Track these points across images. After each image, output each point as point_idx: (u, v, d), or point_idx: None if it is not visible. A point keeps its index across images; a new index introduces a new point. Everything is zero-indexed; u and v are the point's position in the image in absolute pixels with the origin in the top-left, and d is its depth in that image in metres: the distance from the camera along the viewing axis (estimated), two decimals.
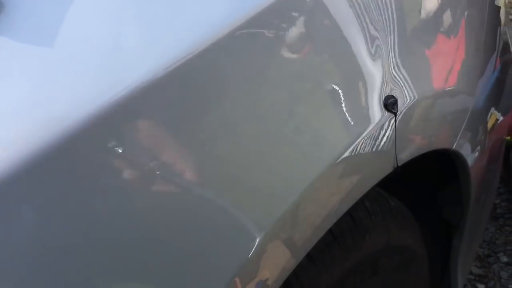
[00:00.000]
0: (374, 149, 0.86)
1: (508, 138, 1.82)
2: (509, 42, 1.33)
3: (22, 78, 0.60)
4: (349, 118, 0.82)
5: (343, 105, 0.82)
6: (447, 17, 1.02)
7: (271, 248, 0.75)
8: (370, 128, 0.84)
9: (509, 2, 1.26)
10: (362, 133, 0.83)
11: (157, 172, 0.63)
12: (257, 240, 0.72)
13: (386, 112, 0.86)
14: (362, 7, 0.84)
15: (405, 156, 0.92)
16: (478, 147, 1.15)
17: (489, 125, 1.19)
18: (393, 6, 0.90)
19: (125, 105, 0.59)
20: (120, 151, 0.60)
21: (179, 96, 0.64)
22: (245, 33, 0.71)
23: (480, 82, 1.11)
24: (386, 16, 0.88)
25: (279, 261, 0.77)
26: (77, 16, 0.66)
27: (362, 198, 0.89)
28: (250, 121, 0.72)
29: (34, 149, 0.56)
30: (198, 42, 0.65)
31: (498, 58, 1.22)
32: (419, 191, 1.19)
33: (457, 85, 1.04)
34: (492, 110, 1.21)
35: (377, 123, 0.84)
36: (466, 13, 1.06)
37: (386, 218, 1.00)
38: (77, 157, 0.58)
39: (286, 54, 0.76)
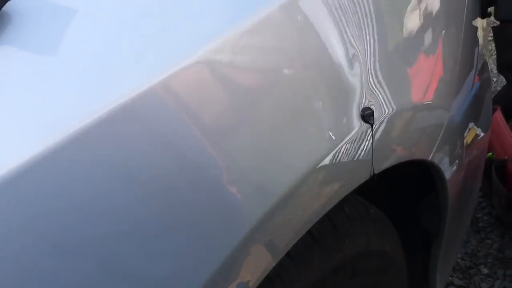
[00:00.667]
0: (352, 157, 0.88)
1: (490, 154, 1.84)
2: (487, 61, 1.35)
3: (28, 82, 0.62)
4: (328, 128, 0.84)
5: (323, 115, 0.84)
6: (425, 36, 1.04)
7: (252, 248, 0.77)
8: (348, 137, 0.86)
9: (487, 25, 1.29)
10: (341, 142, 0.85)
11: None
12: (238, 240, 0.73)
13: (363, 123, 0.88)
14: (344, 23, 0.87)
15: (381, 164, 0.94)
16: (456, 161, 1.15)
17: (468, 140, 1.20)
18: (374, 23, 0.92)
19: (124, 108, 0.62)
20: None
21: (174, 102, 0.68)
22: (236, 45, 0.74)
23: (457, 99, 1.13)
24: (367, 33, 0.91)
25: (260, 261, 0.79)
26: (76, 27, 0.67)
27: (342, 204, 0.92)
28: (237, 129, 0.74)
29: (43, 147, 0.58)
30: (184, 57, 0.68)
31: (476, 76, 1.23)
32: (401, 200, 1.20)
33: (434, 100, 1.06)
34: (471, 125, 1.22)
35: (354, 133, 0.87)
36: (443, 32, 1.07)
37: (365, 224, 1.01)
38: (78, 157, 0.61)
39: (272, 67, 0.78)
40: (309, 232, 0.86)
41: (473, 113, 1.24)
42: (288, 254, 0.83)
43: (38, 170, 0.58)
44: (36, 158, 0.58)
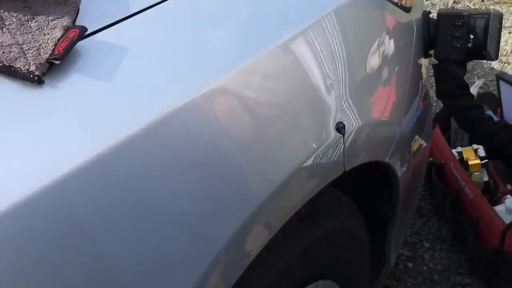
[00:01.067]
0: (328, 158, 0.88)
1: (431, 159, 1.84)
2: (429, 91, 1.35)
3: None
4: (312, 137, 0.85)
5: (308, 128, 0.85)
6: (383, 71, 1.03)
7: (254, 226, 0.76)
8: (326, 144, 0.86)
9: (428, 63, 1.29)
10: (321, 147, 0.85)
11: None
12: (245, 219, 0.73)
13: (337, 133, 0.88)
14: (324, 62, 0.87)
15: (351, 164, 0.93)
16: (406, 163, 1.14)
17: (414, 148, 1.19)
18: (345, 62, 0.91)
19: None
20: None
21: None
22: (238, 75, 0.75)
23: (406, 117, 1.13)
24: (340, 69, 0.90)
25: (260, 235, 0.78)
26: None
27: (321, 194, 0.90)
28: (251, 139, 0.76)
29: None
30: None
31: (420, 101, 1.23)
32: (365, 192, 1.19)
33: (389, 118, 1.06)
34: (417, 137, 1.21)
35: (330, 141, 0.87)
36: (396, 68, 1.07)
37: (338, 209, 1.01)
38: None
39: (272, 93, 0.79)
40: (296, 214, 0.85)
41: (418, 128, 1.23)
42: (281, 229, 0.82)
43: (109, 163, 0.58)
44: (103, 154, 0.57)
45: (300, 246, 0.92)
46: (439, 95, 1.30)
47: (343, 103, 0.91)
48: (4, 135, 0.55)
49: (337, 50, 0.90)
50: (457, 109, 1.30)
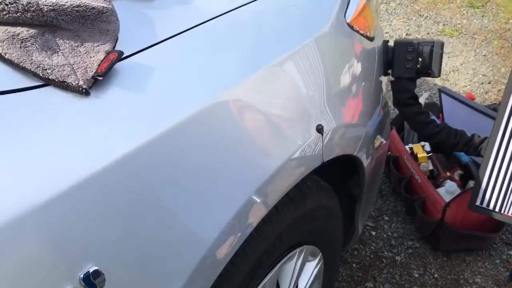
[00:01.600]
0: (311, 152, 0.85)
1: (389, 152, 1.82)
2: (388, 101, 1.32)
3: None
4: (298, 136, 0.83)
5: (295, 129, 0.83)
6: (353, 86, 1.01)
7: (254, 204, 0.75)
8: (308, 141, 0.84)
9: (387, 80, 1.27)
10: (304, 144, 0.83)
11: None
12: (247, 198, 0.72)
13: (318, 133, 0.86)
14: (308, 78, 0.85)
15: (328, 157, 0.91)
16: (370, 156, 1.13)
17: (376, 144, 1.18)
18: (323, 78, 0.89)
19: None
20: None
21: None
22: (243, 88, 0.73)
23: (370, 121, 1.11)
24: (320, 83, 0.88)
25: (258, 211, 0.77)
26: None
27: (305, 179, 0.88)
28: (243, 134, 0.74)
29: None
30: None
31: (381, 109, 1.21)
32: (339, 178, 1.18)
33: (357, 121, 1.03)
34: (378, 136, 1.19)
35: (312, 139, 0.85)
36: (363, 84, 1.05)
37: (318, 191, 0.98)
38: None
39: (270, 102, 0.77)
40: (286, 194, 0.83)
41: (379, 129, 1.21)
42: (275, 206, 0.80)
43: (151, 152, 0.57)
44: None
45: (290, 219, 0.90)
46: (395, 104, 1.28)
47: (322, 110, 0.88)
48: (64, 129, 0.53)
49: (317, 70, 0.88)
50: (409, 114, 1.27)
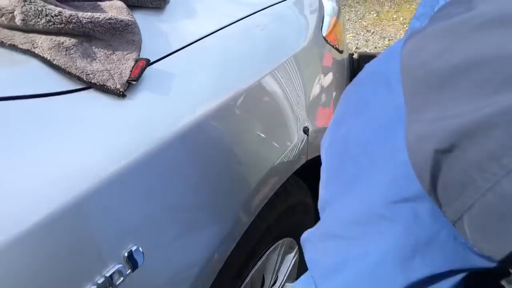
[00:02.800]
0: (297, 151, 0.95)
1: None
2: None
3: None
4: (286, 137, 0.92)
5: (284, 131, 0.92)
6: (324, 95, 1.11)
7: (257, 192, 0.84)
8: (295, 142, 0.94)
9: None
10: (291, 144, 0.93)
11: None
12: (253, 188, 0.82)
13: (304, 134, 0.95)
14: (295, 88, 0.94)
15: (311, 155, 1.01)
16: None
17: None
18: (305, 90, 0.99)
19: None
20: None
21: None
22: (242, 95, 0.83)
23: None
24: (300, 93, 0.98)
25: (259, 201, 0.87)
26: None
27: (288, 180, 0.97)
28: (244, 136, 0.83)
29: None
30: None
31: None
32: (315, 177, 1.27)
33: None
34: None
35: (298, 139, 0.94)
36: (333, 94, 1.15)
37: (299, 189, 1.07)
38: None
39: (265, 108, 0.86)
40: (275, 192, 0.93)
41: None
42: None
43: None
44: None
45: (277, 212, 0.99)
46: None
47: (306, 116, 0.99)
48: (104, 123, 0.61)
49: (297, 82, 0.98)
50: None
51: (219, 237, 0.76)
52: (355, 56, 1.36)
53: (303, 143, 0.96)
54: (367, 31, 3.32)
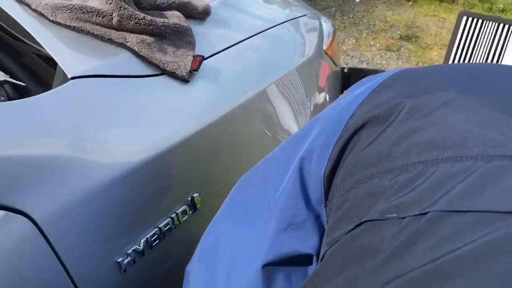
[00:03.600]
0: None
1: None
2: None
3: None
4: (291, 129, 1.15)
5: (292, 125, 1.15)
6: (327, 93, 1.36)
7: None
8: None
9: None
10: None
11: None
12: None
13: None
14: (303, 83, 1.17)
15: None
16: None
17: None
18: (312, 84, 1.22)
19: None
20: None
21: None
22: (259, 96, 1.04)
23: None
24: (301, 99, 1.20)
25: None
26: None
27: None
28: (251, 137, 1.04)
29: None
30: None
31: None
32: None
33: None
34: None
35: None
36: (331, 94, 1.40)
37: None
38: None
39: (279, 112, 1.08)
40: None
41: None
42: None
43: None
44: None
45: None
46: None
47: (307, 115, 1.20)
48: (174, 99, 0.81)
49: (299, 90, 1.19)
50: None
51: None
52: (346, 70, 1.60)
53: None
54: (347, 55, 3.61)
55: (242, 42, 1.03)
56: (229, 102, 0.89)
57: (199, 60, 0.88)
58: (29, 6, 0.80)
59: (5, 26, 0.84)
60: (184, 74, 0.83)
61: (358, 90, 0.53)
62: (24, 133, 0.59)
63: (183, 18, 0.94)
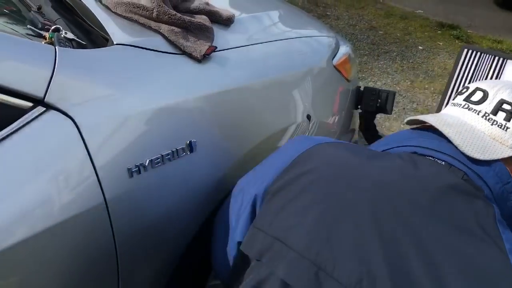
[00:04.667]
0: (302, 128, 1.38)
1: None
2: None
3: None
4: (297, 119, 1.37)
5: (293, 114, 1.38)
6: (331, 100, 1.61)
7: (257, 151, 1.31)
8: (300, 122, 1.37)
9: (357, 112, 1.86)
10: (298, 122, 1.37)
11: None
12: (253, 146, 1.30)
13: (308, 120, 1.39)
14: (305, 86, 1.45)
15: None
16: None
17: None
18: (314, 88, 1.48)
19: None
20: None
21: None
22: (265, 84, 1.33)
23: (342, 129, 1.70)
24: (310, 90, 1.46)
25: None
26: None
27: None
28: (249, 119, 1.32)
29: None
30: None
31: (352, 128, 1.79)
32: None
33: (331, 123, 1.62)
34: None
35: (302, 121, 1.38)
36: (337, 102, 1.66)
37: None
38: None
39: (279, 98, 1.36)
40: None
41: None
42: None
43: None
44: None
45: None
46: (360, 127, 1.88)
47: (310, 107, 1.46)
48: (189, 71, 1.13)
49: (311, 84, 1.46)
50: (368, 135, 1.87)
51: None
52: (362, 88, 1.85)
53: (307, 127, 1.44)
54: (400, 95, 3.81)
55: (254, 45, 1.35)
56: (228, 84, 1.20)
57: (212, 49, 1.20)
58: (100, 1, 1.18)
59: (80, 13, 1.22)
60: (198, 56, 1.16)
61: (291, 148, 0.93)
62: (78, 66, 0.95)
63: (208, 20, 1.28)
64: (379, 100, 1.78)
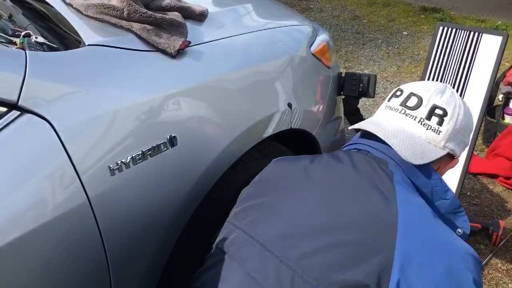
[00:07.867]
0: (284, 119, 1.39)
1: None
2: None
3: None
4: (278, 108, 1.38)
5: (275, 102, 1.39)
6: (308, 87, 1.62)
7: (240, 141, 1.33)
8: (282, 110, 1.38)
9: (340, 98, 1.87)
10: (279, 111, 1.37)
11: None
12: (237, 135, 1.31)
13: (288, 108, 1.41)
14: (285, 74, 1.45)
15: (295, 125, 1.44)
16: (326, 139, 1.72)
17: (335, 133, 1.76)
18: (293, 76, 1.47)
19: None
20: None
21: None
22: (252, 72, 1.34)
23: (328, 124, 1.68)
24: (290, 79, 1.47)
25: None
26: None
27: (269, 145, 1.42)
28: (243, 105, 1.33)
29: None
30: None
31: (337, 114, 1.82)
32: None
33: (315, 111, 1.63)
34: (334, 129, 1.79)
35: (284, 109, 1.39)
36: (318, 88, 1.66)
37: (279, 152, 1.53)
38: None
39: (264, 87, 1.38)
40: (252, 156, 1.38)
41: (334, 128, 1.80)
42: (242, 160, 1.32)
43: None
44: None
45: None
46: (345, 113, 1.89)
47: (291, 95, 1.47)
48: (163, 67, 1.14)
49: (291, 72, 1.46)
50: (353, 120, 1.88)
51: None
52: (343, 74, 1.86)
53: (288, 113, 1.45)
54: (387, 81, 3.83)
55: (228, 38, 1.36)
56: (205, 77, 1.21)
57: (186, 44, 1.21)
58: (71, 5, 1.19)
59: (52, 18, 1.23)
60: (172, 51, 1.17)
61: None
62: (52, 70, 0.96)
63: (181, 16, 1.29)
64: (361, 85, 1.79)
